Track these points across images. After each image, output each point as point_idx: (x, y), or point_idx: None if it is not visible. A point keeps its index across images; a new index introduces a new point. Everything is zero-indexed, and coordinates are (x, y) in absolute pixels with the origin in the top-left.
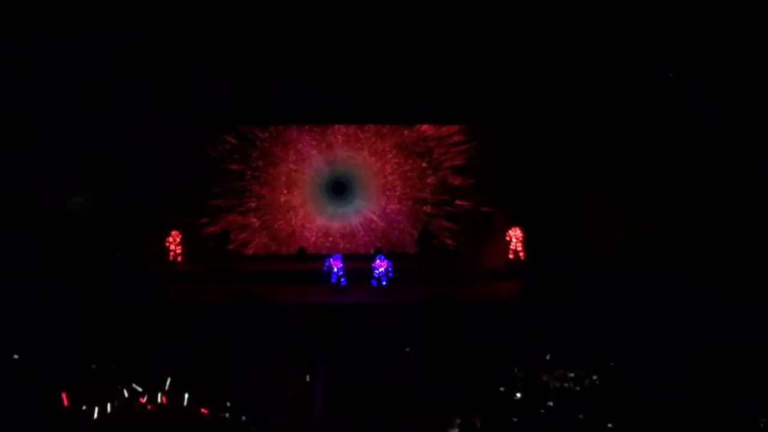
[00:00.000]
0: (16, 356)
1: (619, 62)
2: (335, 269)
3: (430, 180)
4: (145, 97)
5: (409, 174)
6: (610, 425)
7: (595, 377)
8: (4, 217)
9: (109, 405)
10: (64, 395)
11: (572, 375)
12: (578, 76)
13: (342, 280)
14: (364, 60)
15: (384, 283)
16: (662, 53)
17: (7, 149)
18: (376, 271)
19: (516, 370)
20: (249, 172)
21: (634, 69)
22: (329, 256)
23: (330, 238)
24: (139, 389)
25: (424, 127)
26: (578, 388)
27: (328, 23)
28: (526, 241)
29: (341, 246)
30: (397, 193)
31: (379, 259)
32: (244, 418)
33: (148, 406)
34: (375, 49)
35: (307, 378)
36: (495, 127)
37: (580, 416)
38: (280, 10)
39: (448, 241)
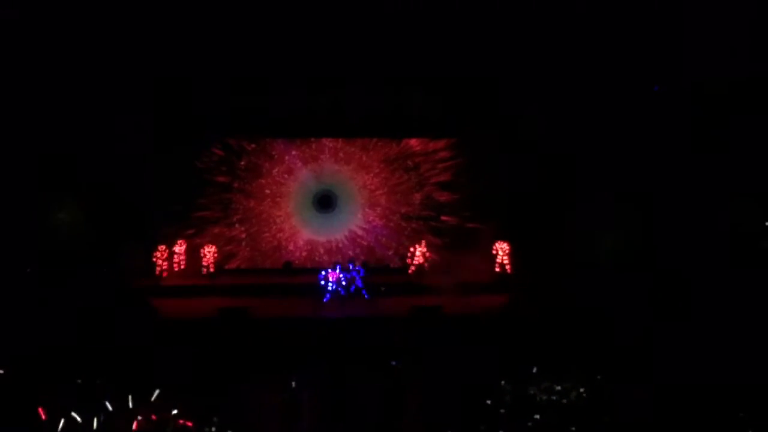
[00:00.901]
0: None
1: (608, 72)
2: (331, 281)
3: (416, 195)
4: (138, 106)
5: (396, 189)
6: None
7: (582, 389)
8: None
9: (95, 420)
10: (41, 410)
11: (559, 388)
12: (566, 86)
13: (341, 289)
14: (356, 70)
15: (365, 295)
16: (650, 64)
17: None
18: (329, 284)
19: (503, 383)
20: (236, 184)
21: (622, 79)
22: (316, 269)
23: (315, 252)
24: (129, 404)
25: (412, 141)
26: (565, 401)
27: (319, 34)
28: (512, 255)
29: (326, 260)
30: (383, 208)
31: (334, 269)
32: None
33: (134, 422)
34: (365, 59)
35: (293, 384)
36: (483, 139)
37: (570, 429)
38: (272, 26)
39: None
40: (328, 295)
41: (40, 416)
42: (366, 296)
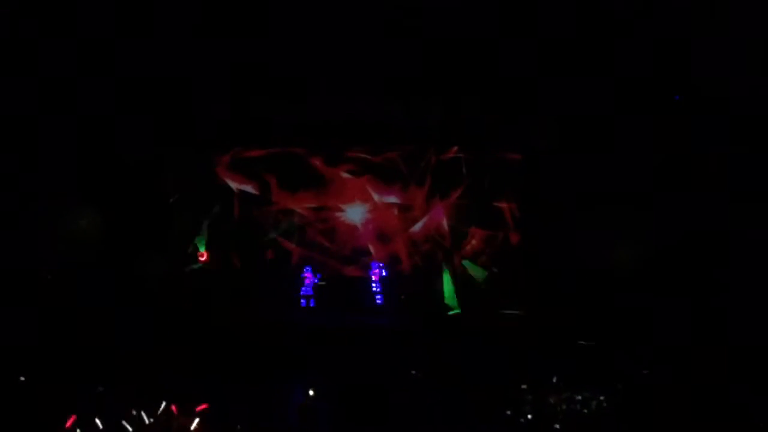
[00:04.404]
0: (22, 378)
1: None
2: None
3: None
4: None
5: None
6: None
7: (602, 397)
8: (4, 238)
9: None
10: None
11: (579, 397)
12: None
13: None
14: (365, 80)
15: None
16: (667, 73)
17: (6, 167)
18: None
19: (523, 393)
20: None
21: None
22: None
23: None
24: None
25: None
26: (585, 411)
27: (325, 41)
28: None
29: None
30: None
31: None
32: None
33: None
34: (376, 69)
35: (311, 393)
36: (490, 149)
37: None
38: (275, 34)
39: None
40: (303, 302)
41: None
42: (379, 302)
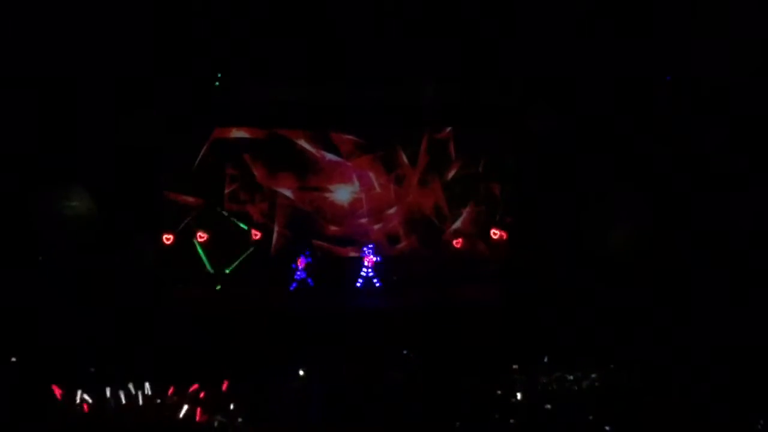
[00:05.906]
0: (13, 359)
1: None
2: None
3: None
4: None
5: None
6: (608, 428)
7: (594, 375)
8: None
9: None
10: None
11: (571, 377)
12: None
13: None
14: (361, 62)
15: (378, 284)
16: (660, 56)
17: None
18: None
19: (515, 373)
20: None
21: (632, 70)
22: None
23: None
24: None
25: None
26: (576, 388)
27: (324, 25)
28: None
29: None
30: None
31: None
32: (240, 419)
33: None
34: (371, 52)
35: (301, 372)
36: (488, 132)
37: (579, 418)
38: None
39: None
40: (294, 284)
41: (55, 397)
42: (378, 284)
